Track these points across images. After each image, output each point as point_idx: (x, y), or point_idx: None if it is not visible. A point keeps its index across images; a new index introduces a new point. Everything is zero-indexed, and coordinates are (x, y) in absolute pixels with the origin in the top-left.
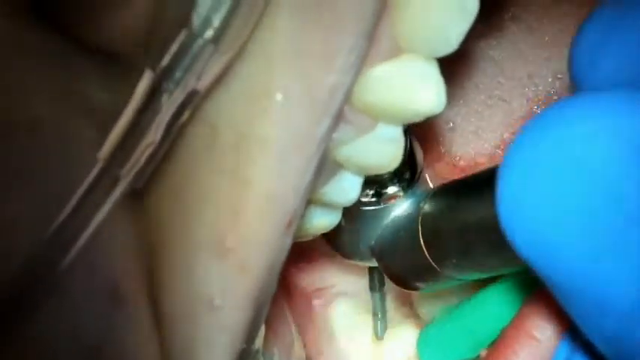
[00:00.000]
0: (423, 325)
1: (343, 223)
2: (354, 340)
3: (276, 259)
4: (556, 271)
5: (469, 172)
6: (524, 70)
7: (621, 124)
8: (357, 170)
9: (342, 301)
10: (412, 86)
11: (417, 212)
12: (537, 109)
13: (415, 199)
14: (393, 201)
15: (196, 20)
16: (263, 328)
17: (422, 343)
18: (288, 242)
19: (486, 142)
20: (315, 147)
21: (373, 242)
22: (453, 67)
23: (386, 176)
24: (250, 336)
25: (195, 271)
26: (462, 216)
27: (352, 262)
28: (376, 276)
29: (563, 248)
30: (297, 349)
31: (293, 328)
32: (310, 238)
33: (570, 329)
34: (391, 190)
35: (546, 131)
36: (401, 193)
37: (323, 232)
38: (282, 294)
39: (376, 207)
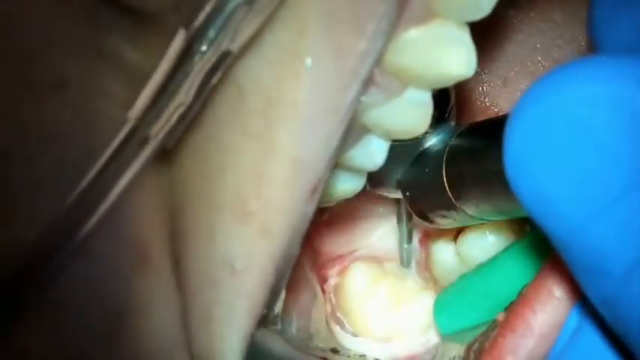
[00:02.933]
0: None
1: None
2: (372, 306)
3: (299, 225)
4: (557, 228)
5: None
6: (584, 36)
7: (622, 92)
8: (384, 134)
9: (361, 266)
10: (443, 51)
11: (442, 150)
12: None
13: (443, 135)
14: (420, 136)
15: None
16: (283, 293)
17: (438, 307)
18: (311, 208)
19: None
20: (344, 112)
21: (400, 175)
22: (512, 24)
23: None
24: (271, 301)
25: (217, 234)
26: (485, 158)
27: (379, 192)
28: (403, 207)
29: (564, 206)
30: (317, 314)
31: (317, 292)
32: (334, 203)
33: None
34: None
35: (551, 92)
36: (430, 129)
37: (347, 197)
38: (305, 258)
39: (404, 142)
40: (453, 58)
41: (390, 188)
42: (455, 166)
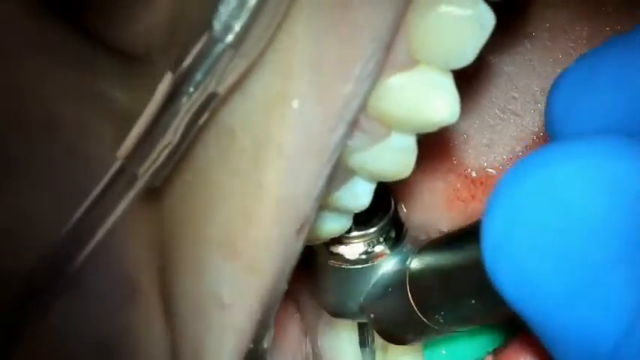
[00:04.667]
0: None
1: (331, 283)
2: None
3: (286, 262)
4: (540, 313)
5: (480, 184)
6: (537, 85)
7: (599, 168)
8: (369, 177)
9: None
10: (426, 96)
11: (404, 269)
12: None
13: (402, 256)
14: (380, 259)
15: (217, 25)
16: (272, 328)
17: (429, 349)
18: (299, 246)
19: (498, 154)
20: (329, 154)
21: (362, 299)
22: (468, 81)
23: (373, 235)
24: (258, 336)
25: (206, 270)
26: (449, 272)
27: (341, 320)
28: (366, 332)
29: (546, 289)
30: (306, 351)
31: (305, 328)
32: (320, 242)
33: None
34: (378, 248)
35: (527, 175)
36: (387, 252)
37: (333, 237)
38: (293, 298)
39: (364, 265)
40: (436, 104)
41: (353, 314)
42: (419, 283)
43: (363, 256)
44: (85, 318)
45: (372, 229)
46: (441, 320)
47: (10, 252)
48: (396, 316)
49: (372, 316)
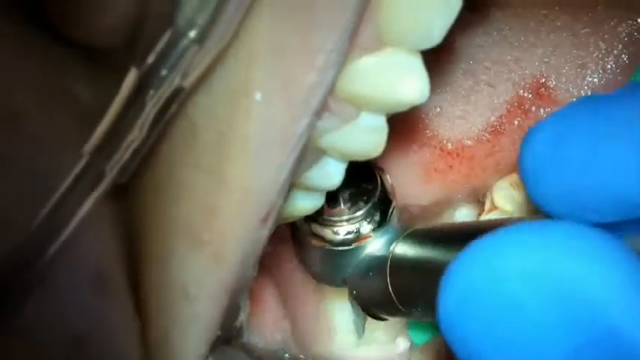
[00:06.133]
0: None
1: (315, 261)
2: (343, 313)
3: (251, 251)
4: None
5: (457, 156)
6: (510, 54)
7: (550, 265)
8: (340, 157)
9: None
10: (395, 78)
11: (386, 256)
12: (523, 92)
13: (387, 237)
14: (365, 241)
15: (181, 20)
16: (248, 306)
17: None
18: (264, 235)
19: (473, 125)
20: (294, 143)
21: (347, 274)
22: (440, 54)
23: (357, 218)
24: (227, 324)
25: (172, 261)
26: (428, 267)
27: (327, 285)
28: None
29: None
30: (286, 322)
31: (280, 303)
32: (294, 220)
33: None
34: (363, 230)
35: (480, 264)
36: (371, 234)
37: (306, 214)
38: (268, 272)
39: (347, 247)
40: (405, 85)
41: (338, 284)
42: (398, 273)
43: (349, 237)
44: (58, 312)
45: (357, 213)
46: (417, 310)
47: None
48: (375, 299)
49: (354, 291)
